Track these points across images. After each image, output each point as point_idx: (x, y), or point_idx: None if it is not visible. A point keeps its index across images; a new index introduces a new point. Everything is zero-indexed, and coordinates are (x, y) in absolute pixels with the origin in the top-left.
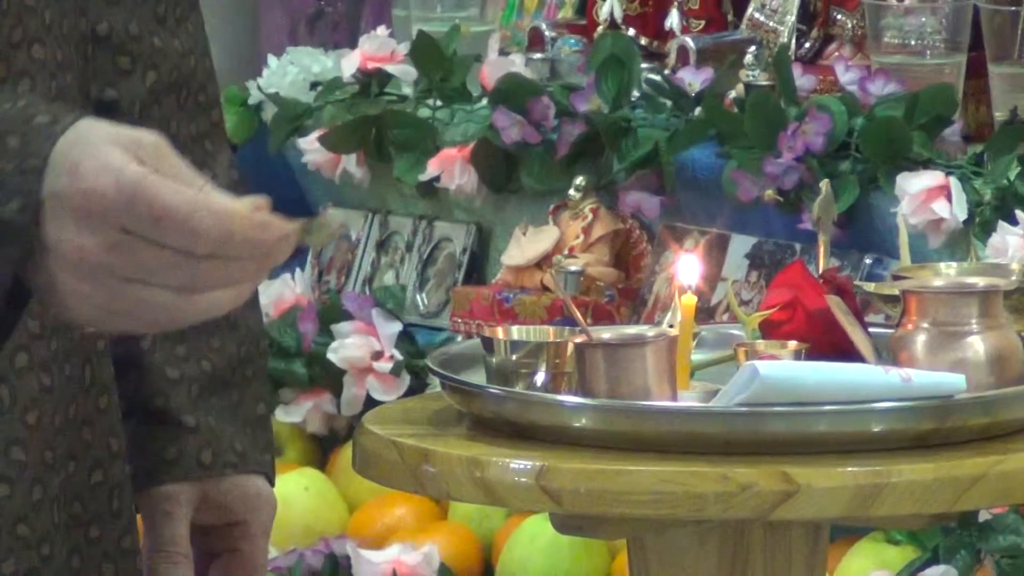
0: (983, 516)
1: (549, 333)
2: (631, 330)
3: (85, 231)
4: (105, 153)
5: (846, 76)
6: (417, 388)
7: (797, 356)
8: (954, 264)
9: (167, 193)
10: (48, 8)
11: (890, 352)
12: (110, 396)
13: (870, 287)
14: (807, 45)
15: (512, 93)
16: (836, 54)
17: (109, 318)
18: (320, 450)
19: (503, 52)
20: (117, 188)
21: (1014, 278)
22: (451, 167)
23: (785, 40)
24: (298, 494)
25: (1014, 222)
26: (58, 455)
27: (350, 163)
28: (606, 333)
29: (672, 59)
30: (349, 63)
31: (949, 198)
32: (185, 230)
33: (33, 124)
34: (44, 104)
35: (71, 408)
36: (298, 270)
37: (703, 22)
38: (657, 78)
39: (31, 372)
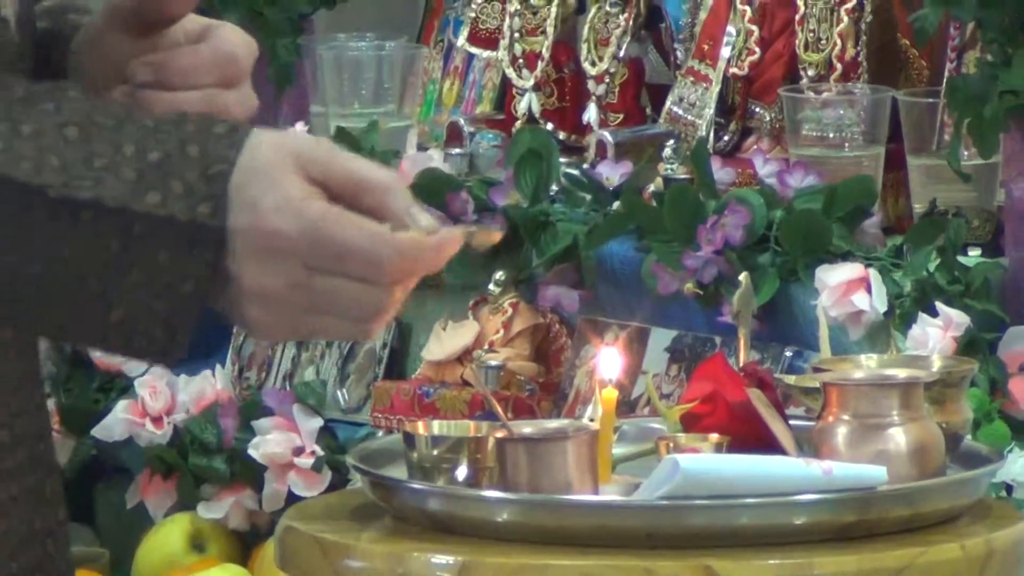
0: None
1: (470, 428)
2: (552, 424)
3: (268, 270)
4: (283, 187)
5: (765, 169)
6: (339, 484)
7: (718, 449)
8: (874, 356)
9: (349, 231)
10: None
11: (811, 445)
12: (65, 509)
13: (791, 380)
14: (725, 138)
15: (431, 188)
16: (754, 147)
17: (291, 338)
18: (242, 546)
19: (421, 147)
20: (300, 230)
21: (934, 370)
22: None
23: (703, 133)
24: None
25: (934, 314)
26: (22, 566)
27: None
28: (527, 428)
29: (591, 153)
30: None
31: (869, 290)
32: (368, 265)
33: (212, 133)
34: (218, 118)
35: (36, 520)
36: (218, 366)
37: (621, 116)
38: (576, 172)
39: (11, 477)
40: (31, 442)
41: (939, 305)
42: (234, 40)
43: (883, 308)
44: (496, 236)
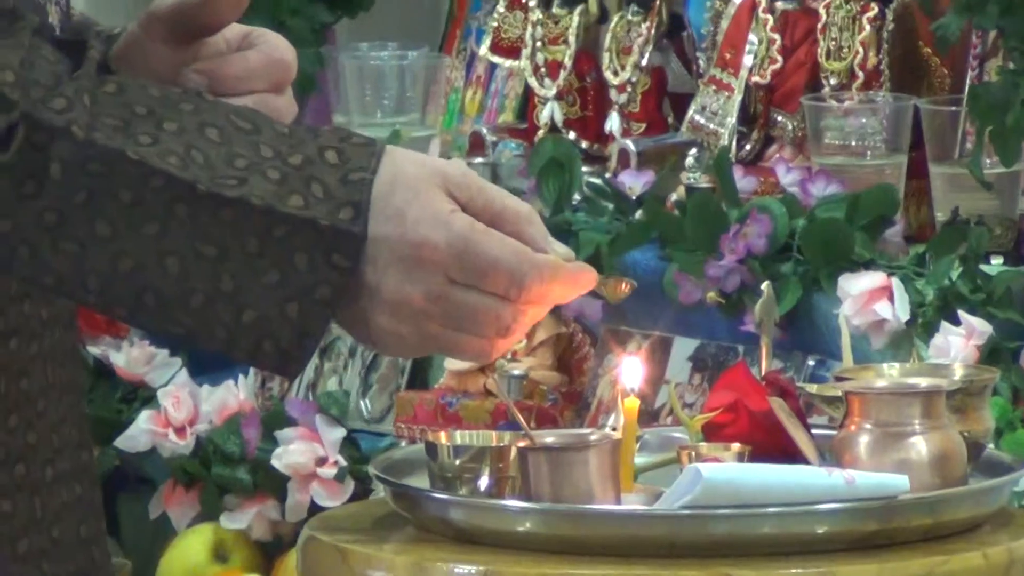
0: None
1: (492, 437)
2: (574, 434)
3: (410, 280)
4: (430, 200)
5: (787, 177)
6: (361, 494)
7: (740, 458)
8: (896, 365)
9: (495, 247)
10: None
11: (833, 453)
12: (104, 519)
13: (813, 389)
14: (747, 147)
15: None
16: (777, 155)
17: (414, 353)
18: (265, 556)
19: (444, 157)
20: (448, 242)
21: (956, 378)
22: None
23: (725, 142)
24: None
25: (956, 322)
26: (70, 572)
27: None
28: (549, 437)
29: (613, 162)
30: None
31: (891, 299)
32: (511, 281)
33: (350, 142)
34: (350, 130)
35: (82, 528)
36: (241, 376)
37: (643, 125)
38: (598, 181)
39: (58, 484)
40: (75, 451)
41: (961, 314)
42: (281, 46)
43: (905, 317)
44: (626, 288)
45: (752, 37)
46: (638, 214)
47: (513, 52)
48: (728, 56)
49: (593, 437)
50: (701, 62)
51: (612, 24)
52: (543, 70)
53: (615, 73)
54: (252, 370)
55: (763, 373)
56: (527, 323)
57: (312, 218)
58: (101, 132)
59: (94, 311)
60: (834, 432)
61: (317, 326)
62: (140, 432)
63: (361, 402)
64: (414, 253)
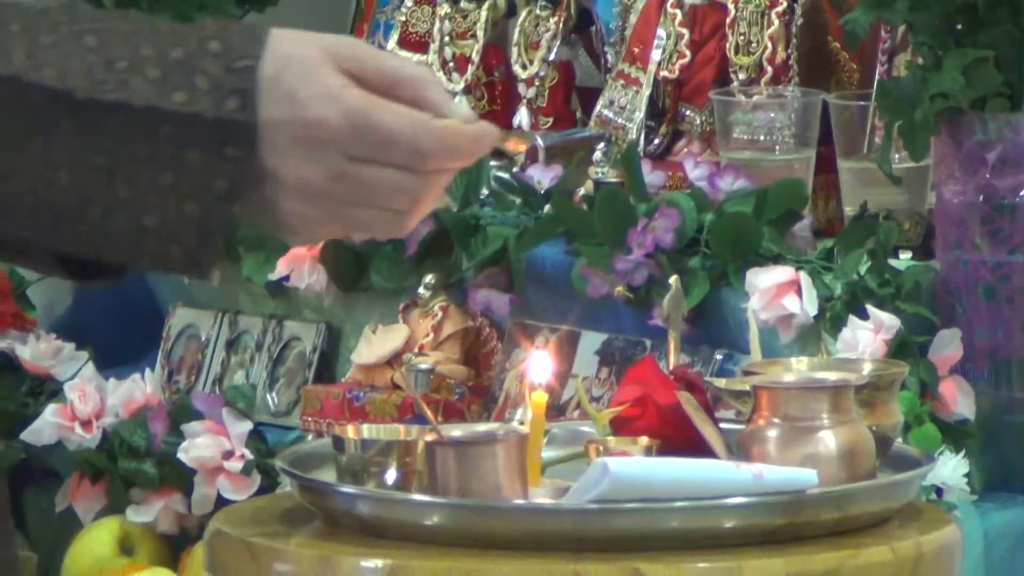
0: None
1: (399, 431)
2: (481, 428)
3: (309, 161)
4: (321, 78)
5: (695, 172)
6: (268, 487)
7: (648, 453)
8: (805, 359)
9: (390, 118)
10: None
11: (741, 448)
12: (11, 516)
13: (721, 383)
14: (656, 141)
15: None
16: (685, 150)
17: (329, 234)
18: (171, 550)
19: None
20: (342, 117)
21: (865, 373)
22: (300, 266)
23: (634, 137)
24: None
25: (865, 317)
26: None
27: None
28: (456, 431)
29: (521, 157)
30: None
31: (799, 293)
32: (411, 151)
33: (232, 30)
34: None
35: None
36: (148, 370)
37: (551, 119)
38: (506, 176)
39: None
40: None
41: (870, 308)
42: None
43: (813, 311)
44: (523, 146)
45: (660, 32)
46: (546, 209)
47: (421, 46)
48: (636, 51)
49: (500, 432)
50: (609, 57)
51: (520, 19)
52: (451, 64)
53: (523, 67)
54: (159, 364)
55: (671, 367)
56: (437, 191)
57: (197, 112)
58: None
59: None
60: (742, 427)
61: (219, 222)
62: (46, 425)
63: (268, 396)
64: (309, 133)
